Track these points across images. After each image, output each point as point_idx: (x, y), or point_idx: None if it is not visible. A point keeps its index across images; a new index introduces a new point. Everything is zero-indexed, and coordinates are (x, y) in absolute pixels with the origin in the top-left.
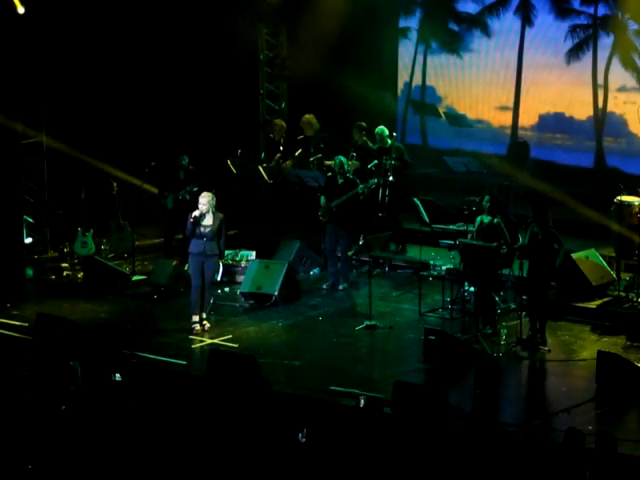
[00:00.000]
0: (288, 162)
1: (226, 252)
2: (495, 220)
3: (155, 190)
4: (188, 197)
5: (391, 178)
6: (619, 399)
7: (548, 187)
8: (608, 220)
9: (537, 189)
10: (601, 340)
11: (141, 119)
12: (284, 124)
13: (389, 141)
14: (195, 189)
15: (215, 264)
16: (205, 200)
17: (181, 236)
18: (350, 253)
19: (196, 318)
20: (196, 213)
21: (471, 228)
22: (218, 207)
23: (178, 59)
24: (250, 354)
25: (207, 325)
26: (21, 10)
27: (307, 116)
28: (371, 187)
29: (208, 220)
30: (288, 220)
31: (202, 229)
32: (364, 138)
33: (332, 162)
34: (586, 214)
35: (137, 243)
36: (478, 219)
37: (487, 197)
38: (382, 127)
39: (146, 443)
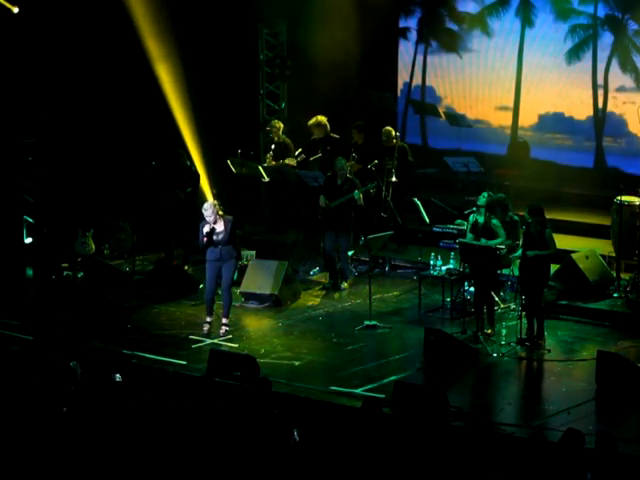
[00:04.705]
0: (287, 160)
1: None
2: (493, 220)
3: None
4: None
5: (394, 179)
6: (619, 399)
7: (548, 187)
8: (608, 220)
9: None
10: (601, 340)
11: (141, 119)
12: (281, 124)
13: (395, 141)
14: (189, 189)
15: (233, 266)
16: (210, 211)
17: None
18: (350, 253)
19: (208, 319)
20: (207, 229)
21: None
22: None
23: (178, 59)
24: (250, 354)
25: (224, 329)
26: (15, 10)
27: (319, 117)
28: (368, 190)
29: (219, 226)
30: (288, 220)
31: (215, 236)
32: (364, 138)
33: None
34: (586, 214)
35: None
36: (472, 217)
37: (485, 193)
38: (389, 127)
39: (146, 443)
